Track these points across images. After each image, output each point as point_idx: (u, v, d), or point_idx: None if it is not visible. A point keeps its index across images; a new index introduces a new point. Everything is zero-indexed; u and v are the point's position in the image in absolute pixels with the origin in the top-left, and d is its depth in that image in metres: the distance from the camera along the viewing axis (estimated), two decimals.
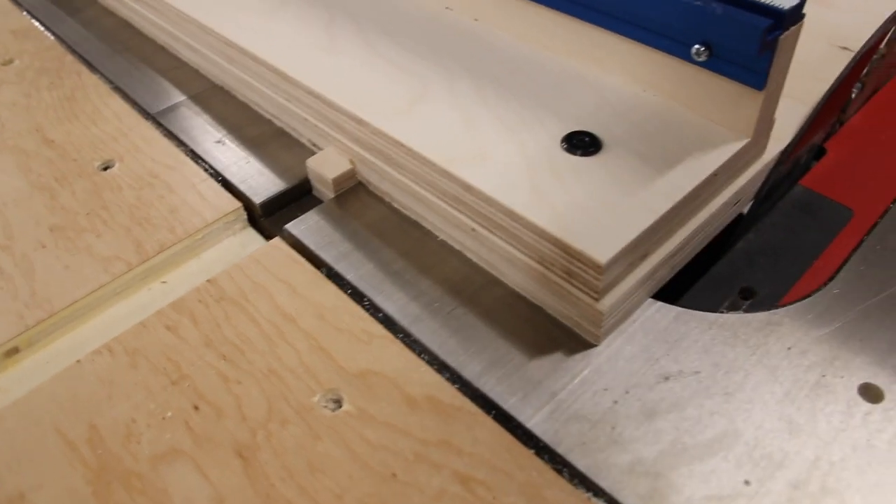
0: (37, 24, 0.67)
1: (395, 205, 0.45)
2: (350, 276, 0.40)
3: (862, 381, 0.35)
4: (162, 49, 0.62)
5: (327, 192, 0.46)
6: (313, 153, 0.48)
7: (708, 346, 0.37)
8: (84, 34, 0.64)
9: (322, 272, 0.41)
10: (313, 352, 0.37)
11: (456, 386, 0.36)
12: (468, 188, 0.38)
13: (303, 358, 0.37)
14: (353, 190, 0.46)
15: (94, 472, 0.33)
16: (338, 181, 0.45)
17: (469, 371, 0.36)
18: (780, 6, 0.36)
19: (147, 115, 0.54)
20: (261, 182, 0.47)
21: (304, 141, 0.50)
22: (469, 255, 0.41)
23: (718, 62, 0.39)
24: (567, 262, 0.35)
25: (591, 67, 0.45)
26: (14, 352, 0.40)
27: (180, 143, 0.51)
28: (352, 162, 0.46)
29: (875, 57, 0.52)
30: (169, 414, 0.35)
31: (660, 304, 0.39)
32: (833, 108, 0.50)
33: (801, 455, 0.32)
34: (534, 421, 0.34)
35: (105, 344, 0.38)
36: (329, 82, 0.46)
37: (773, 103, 0.40)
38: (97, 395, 0.36)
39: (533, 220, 0.36)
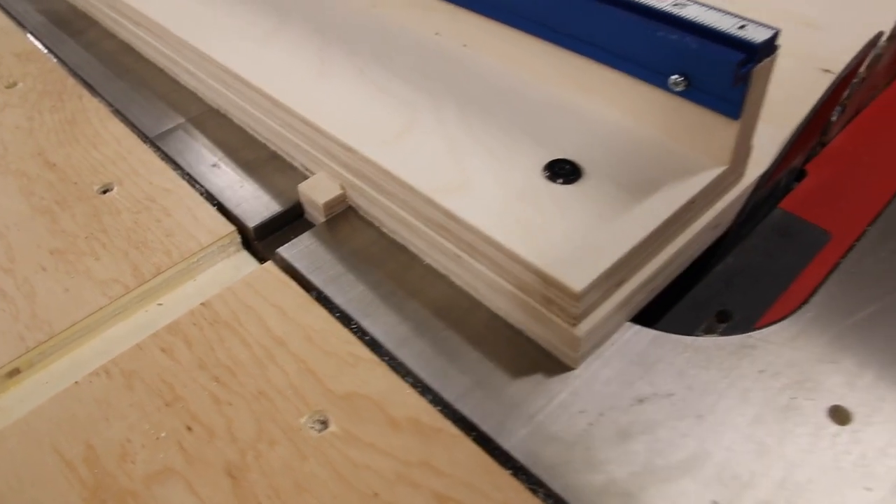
0: (40, 46, 0.69)
1: (384, 229, 0.46)
2: (339, 299, 0.42)
3: (831, 404, 0.36)
4: (161, 72, 0.63)
5: (319, 216, 0.47)
6: (306, 177, 0.49)
7: (683, 368, 0.38)
8: (86, 57, 0.66)
9: (312, 295, 0.43)
10: (302, 374, 0.38)
11: (438, 408, 0.37)
12: (451, 217, 0.40)
13: (291, 380, 0.38)
14: (343, 214, 0.47)
15: (90, 490, 0.35)
16: (328, 205, 0.47)
17: (450, 393, 0.37)
18: (753, 40, 0.37)
19: (146, 138, 0.56)
20: (255, 206, 0.49)
21: (297, 165, 0.52)
22: (454, 279, 0.43)
23: (695, 92, 0.40)
24: (544, 289, 0.37)
25: (574, 95, 0.47)
26: (15, 372, 0.41)
27: (177, 167, 0.53)
28: (342, 187, 0.47)
29: (855, 80, 0.53)
30: (163, 434, 0.37)
31: (637, 327, 0.40)
32: (813, 130, 0.51)
33: (768, 476, 0.33)
34: (511, 442, 0.35)
35: (102, 366, 0.40)
36: (320, 109, 0.47)
37: (749, 131, 0.42)
38: (94, 415, 0.38)
39: (512, 248, 0.37)
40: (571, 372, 0.38)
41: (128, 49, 0.67)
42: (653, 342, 0.39)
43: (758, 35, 0.38)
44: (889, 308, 0.41)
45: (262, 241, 0.48)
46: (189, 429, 0.37)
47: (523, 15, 0.47)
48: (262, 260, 0.47)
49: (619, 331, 0.40)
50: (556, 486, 0.34)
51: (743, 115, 0.39)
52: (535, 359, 0.39)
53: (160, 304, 0.45)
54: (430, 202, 0.40)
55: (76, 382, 0.39)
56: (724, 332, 0.41)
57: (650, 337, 0.40)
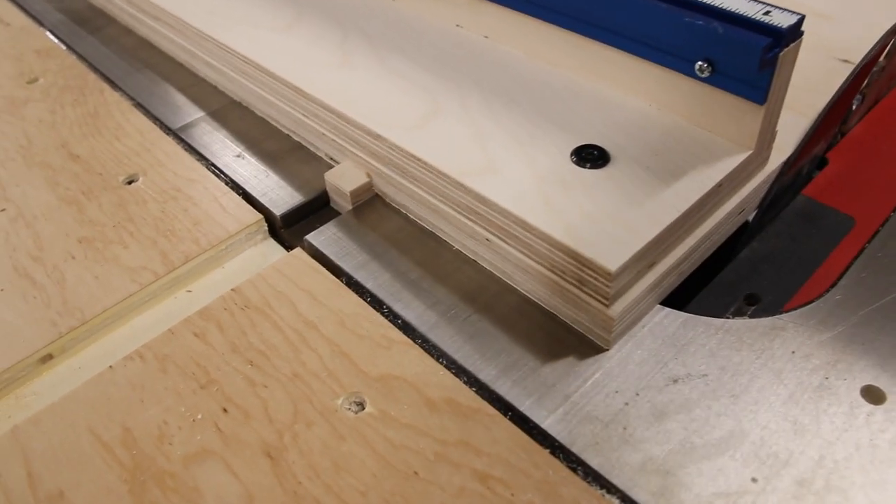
0: (59, 43, 0.69)
1: (411, 216, 0.46)
2: (369, 284, 0.42)
3: (864, 384, 0.36)
4: (181, 66, 0.64)
5: (345, 205, 0.47)
6: (330, 166, 0.50)
7: (714, 350, 0.38)
8: (105, 52, 0.66)
9: (342, 281, 0.43)
10: (335, 357, 0.39)
11: (473, 389, 0.37)
12: (482, 200, 0.40)
13: (325, 363, 0.38)
14: (369, 202, 0.48)
15: (129, 471, 0.35)
16: (355, 193, 0.47)
17: (485, 375, 0.38)
18: (779, 24, 0.38)
19: (168, 130, 0.56)
20: (280, 195, 0.49)
21: (321, 155, 0.52)
22: (483, 263, 0.43)
23: (721, 78, 0.40)
24: (578, 270, 0.37)
25: (598, 83, 0.47)
26: (48, 358, 0.41)
27: (201, 158, 0.53)
28: (368, 175, 0.47)
29: (875, 69, 0.54)
30: (199, 416, 0.37)
31: (668, 310, 0.40)
32: (834, 119, 0.51)
33: (805, 454, 0.34)
34: (548, 422, 0.36)
35: (136, 350, 0.40)
36: (345, 98, 0.48)
37: (774, 116, 0.42)
38: (129, 398, 0.38)
39: (545, 230, 0.37)
40: (605, 353, 0.38)
41: (147, 44, 0.67)
42: (684, 324, 0.40)
43: (783, 20, 0.38)
44: None
45: (288, 229, 0.48)
46: (225, 411, 0.37)
47: (545, 5, 0.48)
48: (288, 248, 0.47)
49: (650, 313, 0.40)
50: (594, 464, 0.34)
51: (768, 101, 0.40)
52: (567, 341, 0.39)
53: (189, 291, 0.45)
54: (459, 185, 0.41)
55: (110, 367, 0.39)
56: (754, 315, 0.42)
57: (681, 319, 0.40)
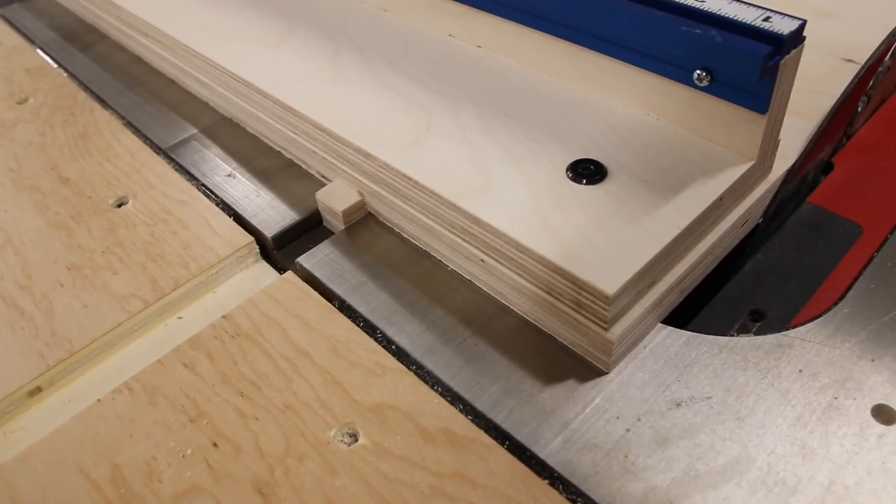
0: (50, 61, 0.68)
1: (405, 235, 0.45)
2: (362, 308, 0.41)
3: (875, 403, 0.35)
4: (171, 83, 0.63)
5: (337, 224, 0.46)
6: (323, 185, 0.48)
7: (719, 370, 0.37)
8: (96, 70, 0.65)
9: (334, 305, 0.42)
10: (328, 386, 0.38)
11: (469, 417, 0.36)
12: (475, 220, 0.39)
13: (318, 392, 0.37)
14: (362, 221, 0.47)
15: None
16: (347, 213, 0.46)
17: (482, 402, 0.37)
18: (780, 31, 0.36)
19: (159, 149, 0.55)
20: (272, 215, 0.48)
21: (313, 172, 0.51)
22: (479, 284, 0.42)
23: (720, 87, 0.39)
24: (575, 292, 0.36)
25: (594, 93, 0.46)
26: (36, 391, 0.40)
27: (192, 178, 0.52)
28: (360, 194, 0.46)
29: (880, 69, 0.52)
30: (188, 451, 0.36)
31: (669, 329, 0.39)
32: (839, 122, 0.50)
33: (814, 480, 0.32)
34: (547, 451, 0.34)
35: (125, 382, 0.39)
36: (336, 115, 0.47)
37: (776, 125, 0.41)
38: (118, 433, 0.37)
39: (540, 251, 0.36)
40: (605, 376, 0.37)
41: (138, 61, 0.67)
42: (686, 343, 0.38)
43: (784, 26, 0.37)
44: None
45: (280, 250, 0.47)
46: (215, 445, 0.36)
47: (539, 14, 0.46)
48: (281, 270, 0.46)
49: (651, 333, 0.39)
50: (595, 496, 0.33)
51: (770, 109, 0.38)
52: (566, 364, 0.38)
53: (180, 318, 0.44)
54: (452, 206, 0.40)
55: (98, 400, 0.38)
56: (759, 332, 0.40)
57: (684, 338, 0.39)
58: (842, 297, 0.40)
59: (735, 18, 0.37)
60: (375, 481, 0.34)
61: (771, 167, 0.43)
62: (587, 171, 0.40)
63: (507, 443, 0.35)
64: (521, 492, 0.33)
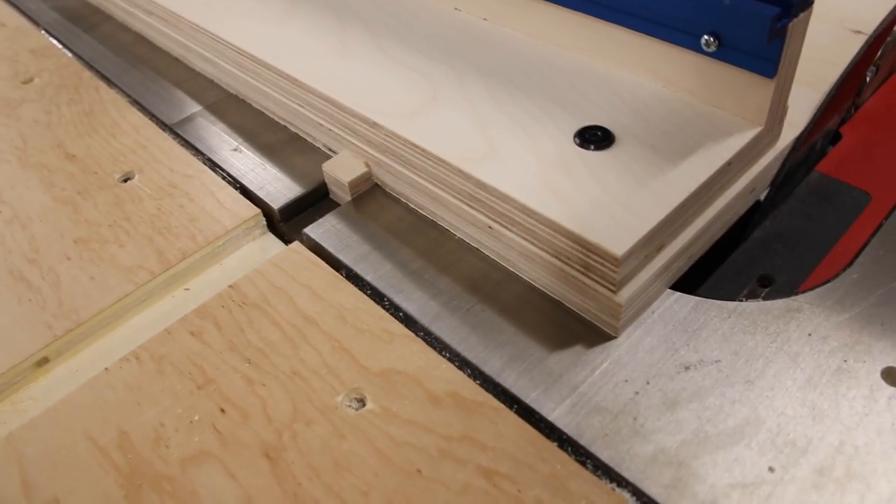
0: (55, 41, 0.68)
1: (412, 205, 0.45)
2: (369, 276, 0.41)
3: (885, 366, 0.35)
4: (176, 61, 0.63)
5: (344, 196, 0.46)
6: (328, 157, 0.48)
7: (727, 334, 0.37)
8: (100, 50, 0.65)
9: (341, 274, 0.42)
10: (335, 353, 0.38)
11: (477, 382, 0.36)
12: (483, 186, 0.38)
13: (325, 359, 0.37)
14: (369, 192, 0.47)
15: (125, 476, 0.34)
16: (354, 184, 0.46)
17: (490, 367, 0.36)
18: None
19: (164, 126, 0.55)
20: (278, 188, 0.48)
21: (318, 145, 0.51)
22: (486, 252, 0.42)
23: (728, 52, 0.39)
24: (584, 255, 0.36)
25: (600, 62, 0.46)
26: (44, 362, 0.40)
27: (198, 153, 0.52)
28: (367, 164, 0.46)
29: (889, 39, 0.52)
30: (196, 417, 0.36)
31: (678, 294, 0.39)
32: (847, 92, 0.49)
33: (825, 440, 0.32)
34: (556, 414, 0.34)
35: (132, 351, 0.39)
36: (341, 86, 0.46)
37: (785, 90, 0.40)
38: (126, 401, 0.37)
39: (548, 215, 0.36)
40: (613, 341, 0.37)
41: (142, 40, 0.66)
42: (695, 308, 0.38)
43: None
44: None
45: (287, 222, 0.47)
46: (223, 411, 0.36)
47: None
48: (288, 242, 0.46)
49: (659, 298, 0.39)
50: (604, 457, 0.32)
51: (778, 74, 0.38)
52: (574, 329, 0.38)
53: (187, 289, 0.44)
54: (459, 173, 0.39)
55: (106, 369, 0.38)
56: (767, 297, 0.40)
57: (692, 303, 0.39)
58: (850, 264, 0.40)
59: None
60: (384, 445, 0.34)
61: (779, 135, 0.43)
62: (595, 137, 0.40)
63: (516, 406, 0.35)
64: (530, 454, 0.33)
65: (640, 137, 0.40)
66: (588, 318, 0.38)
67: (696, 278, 0.42)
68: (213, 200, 0.47)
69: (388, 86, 0.46)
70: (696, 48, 0.39)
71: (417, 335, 0.38)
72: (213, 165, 0.51)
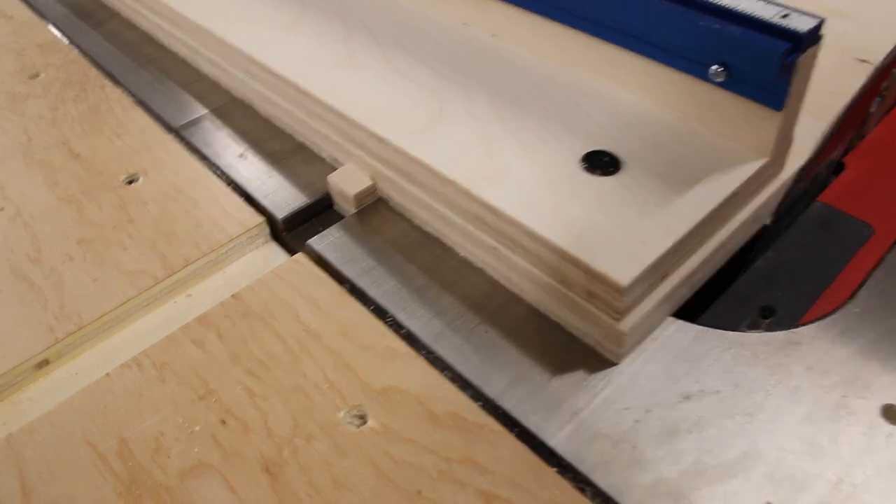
0: (61, 37, 0.68)
1: (416, 221, 0.45)
2: (373, 292, 0.41)
3: (884, 402, 0.35)
4: (183, 62, 0.63)
5: (349, 208, 0.46)
6: (334, 168, 0.48)
7: (728, 365, 0.37)
8: (107, 47, 0.65)
9: (345, 288, 0.42)
10: (338, 368, 0.38)
11: (479, 403, 0.36)
12: (489, 208, 0.39)
13: (327, 374, 0.37)
14: (374, 205, 0.47)
15: (124, 484, 0.34)
16: (359, 197, 0.46)
17: (492, 389, 0.37)
18: (798, 29, 0.36)
19: (170, 128, 0.55)
20: (283, 197, 0.48)
21: (324, 156, 0.51)
22: (490, 272, 0.42)
23: (736, 83, 0.39)
24: (588, 282, 0.36)
25: (609, 85, 0.46)
26: (44, 364, 0.40)
27: (203, 157, 0.52)
28: (372, 178, 0.46)
29: (895, 70, 0.52)
30: (197, 428, 0.36)
31: (680, 322, 0.39)
32: (852, 122, 0.50)
33: (823, 477, 0.32)
34: (556, 439, 0.35)
35: (134, 357, 0.39)
36: (349, 99, 0.46)
37: (791, 122, 0.41)
38: (126, 408, 0.37)
39: (554, 240, 0.36)
40: (615, 367, 0.37)
41: (149, 39, 0.66)
42: (697, 338, 0.38)
43: (802, 24, 0.37)
44: None
45: (290, 232, 0.47)
46: (224, 423, 0.36)
47: (556, 4, 0.46)
48: (290, 251, 0.46)
49: (661, 326, 0.39)
50: (603, 485, 0.33)
51: (786, 107, 0.38)
52: (575, 353, 0.38)
53: (189, 296, 0.44)
54: (466, 193, 0.40)
55: (107, 374, 0.38)
56: (768, 328, 0.40)
57: (694, 332, 0.39)
58: (852, 296, 0.40)
59: (753, 15, 0.37)
60: (384, 464, 0.34)
61: (783, 164, 0.43)
62: (601, 163, 0.40)
63: (517, 430, 0.35)
64: (529, 479, 0.33)
65: (647, 164, 0.40)
66: (590, 343, 0.38)
67: (698, 306, 0.42)
68: (217, 207, 0.47)
69: (395, 100, 0.46)
70: (705, 77, 0.40)
71: (419, 354, 0.38)
72: (218, 171, 0.51)
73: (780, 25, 0.36)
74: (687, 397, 0.36)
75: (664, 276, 0.38)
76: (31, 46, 0.66)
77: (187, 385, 0.38)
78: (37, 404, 0.39)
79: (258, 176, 0.50)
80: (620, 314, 0.36)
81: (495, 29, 0.52)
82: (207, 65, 0.60)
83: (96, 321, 0.41)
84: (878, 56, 0.50)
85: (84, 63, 0.63)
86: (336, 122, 0.47)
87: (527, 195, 0.39)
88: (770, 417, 0.35)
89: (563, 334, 0.39)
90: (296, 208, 0.47)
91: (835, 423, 0.34)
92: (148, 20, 0.66)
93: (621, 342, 0.36)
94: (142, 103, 0.58)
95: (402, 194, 0.45)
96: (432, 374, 0.37)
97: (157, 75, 0.61)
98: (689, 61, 0.40)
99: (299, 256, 0.44)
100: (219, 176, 0.50)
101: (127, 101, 0.58)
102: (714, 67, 0.39)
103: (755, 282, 0.43)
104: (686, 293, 0.40)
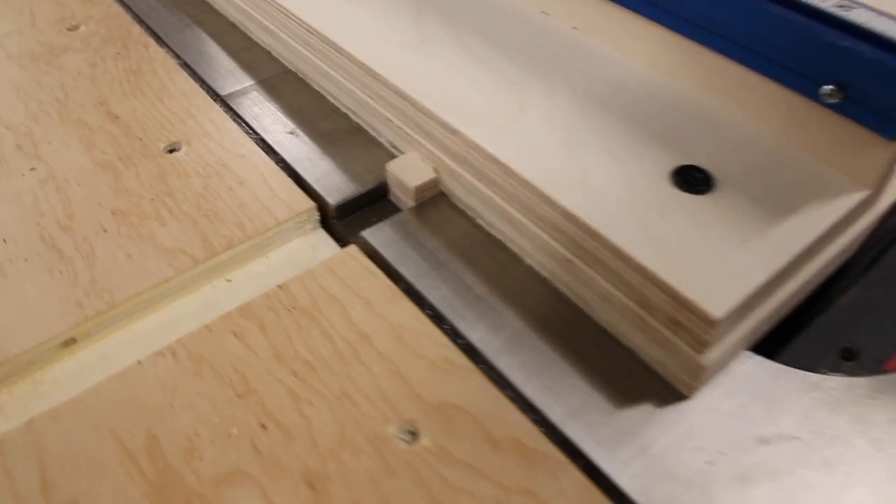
0: None
1: (480, 221, 0.42)
2: (431, 296, 0.38)
3: None
4: (233, 26, 0.59)
5: (407, 200, 0.43)
6: (393, 156, 0.45)
7: (808, 409, 0.34)
8: (152, 3, 0.62)
9: (400, 287, 0.39)
10: (390, 377, 0.35)
11: (541, 429, 0.33)
12: (570, 217, 0.35)
13: (378, 382, 0.35)
14: (433, 200, 0.43)
15: (154, 487, 0.31)
16: (420, 189, 0.43)
17: (555, 414, 0.34)
18: None
19: (216, 96, 0.52)
20: (335, 181, 0.45)
21: (382, 141, 0.47)
22: (558, 284, 0.39)
23: (850, 106, 0.36)
24: (674, 310, 0.33)
25: (703, 94, 0.42)
26: (71, 342, 0.38)
27: (250, 131, 0.49)
28: (435, 170, 0.43)
29: None
30: (234, 431, 0.33)
31: (758, 358, 0.36)
32: None
33: None
34: (624, 476, 0.32)
35: (168, 346, 0.36)
36: (419, 83, 0.43)
37: None
38: (158, 401, 0.34)
39: (642, 261, 0.33)
40: (687, 402, 0.34)
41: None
42: (775, 376, 0.36)
43: None
44: None
45: (341, 220, 0.44)
46: (264, 427, 0.33)
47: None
48: (340, 240, 0.43)
49: (738, 360, 0.36)
50: None
51: None
52: (646, 383, 0.35)
53: (229, 281, 0.41)
54: (545, 198, 0.36)
55: (139, 362, 0.36)
56: (851, 372, 0.37)
57: (772, 370, 0.36)
58: None
59: (885, 34, 0.33)
60: (437, 487, 0.31)
61: (879, 196, 0.40)
62: (694, 179, 0.37)
63: (581, 461, 0.32)
64: None
65: (742, 185, 0.37)
66: (662, 372, 0.35)
67: (775, 342, 0.39)
68: (265, 186, 0.44)
69: (472, 90, 0.43)
70: (814, 96, 0.36)
71: (479, 368, 0.35)
72: (267, 147, 0.47)
73: None
74: (764, 441, 0.33)
75: (752, 310, 0.35)
76: None
77: (226, 381, 0.35)
78: (60, 386, 0.36)
79: (309, 156, 0.46)
80: (705, 347, 0.33)
81: (577, 21, 0.48)
82: (260, 31, 0.56)
83: (129, 301, 0.39)
84: None
85: (126, 18, 0.60)
86: (402, 106, 0.44)
87: (612, 208, 0.35)
88: (849, 471, 0.32)
89: (633, 360, 0.36)
90: (349, 195, 0.44)
91: None
92: None
93: (699, 376, 0.33)
94: (186, 66, 0.55)
95: (468, 192, 0.42)
96: (492, 393, 0.34)
97: (203, 38, 0.58)
98: (801, 78, 0.37)
99: (352, 250, 0.41)
100: (267, 152, 0.47)
101: (171, 63, 0.55)
102: (830, 88, 0.35)
103: (838, 320, 0.40)
104: (768, 328, 0.37)
